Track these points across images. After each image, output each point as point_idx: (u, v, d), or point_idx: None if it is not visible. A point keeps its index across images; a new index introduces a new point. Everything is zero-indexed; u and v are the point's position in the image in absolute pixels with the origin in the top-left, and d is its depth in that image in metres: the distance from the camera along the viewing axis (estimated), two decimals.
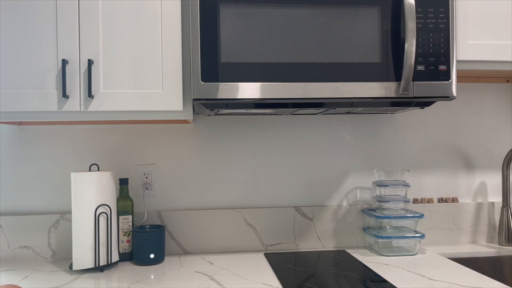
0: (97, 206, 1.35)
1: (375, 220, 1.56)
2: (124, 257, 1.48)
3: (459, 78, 1.69)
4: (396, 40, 1.25)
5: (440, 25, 1.26)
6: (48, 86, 1.27)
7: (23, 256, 1.53)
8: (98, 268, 1.35)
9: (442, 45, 1.26)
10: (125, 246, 1.48)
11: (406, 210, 1.58)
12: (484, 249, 1.59)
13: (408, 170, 1.63)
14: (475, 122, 1.75)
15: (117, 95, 1.28)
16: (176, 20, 1.30)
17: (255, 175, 1.66)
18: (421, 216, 1.54)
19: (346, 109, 1.45)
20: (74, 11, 1.27)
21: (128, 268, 1.41)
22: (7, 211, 1.56)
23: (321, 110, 1.46)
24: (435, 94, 1.26)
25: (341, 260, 1.46)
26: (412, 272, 1.32)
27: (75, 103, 1.27)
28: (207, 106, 1.30)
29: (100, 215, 1.35)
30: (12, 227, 1.53)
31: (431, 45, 1.26)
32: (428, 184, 1.72)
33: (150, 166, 1.61)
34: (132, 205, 1.51)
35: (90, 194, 1.35)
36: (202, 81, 1.20)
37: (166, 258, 1.50)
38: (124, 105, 1.28)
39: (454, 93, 1.27)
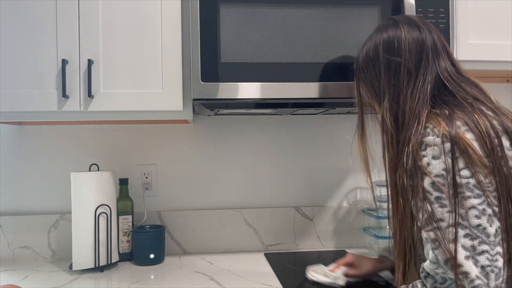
0: (97, 206, 1.35)
1: (375, 220, 1.56)
2: (124, 257, 1.47)
3: None
4: None
5: (440, 25, 1.26)
6: (48, 86, 1.27)
7: (23, 256, 1.53)
8: (98, 268, 1.35)
9: None
10: (125, 246, 1.48)
11: None
12: None
13: None
14: None
15: (117, 95, 1.28)
16: (176, 20, 1.29)
17: (255, 175, 1.65)
18: None
19: (346, 109, 1.45)
20: (74, 11, 1.27)
21: (128, 268, 1.41)
22: (7, 211, 1.56)
23: (321, 110, 1.46)
24: None
25: None
26: None
27: (75, 103, 1.27)
28: (207, 106, 1.30)
29: (100, 215, 1.35)
30: (12, 227, 1.53)
31: None
32: None
33: (150, 166, 1.61)
34: (132, 205, 1.51)
35: (90, 194, 1.35)
36: (202, 81, 1.20)
37: (166, 258, 1.50)
38: (124, 105, 1.28)
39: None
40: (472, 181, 0.73)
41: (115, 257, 1.40)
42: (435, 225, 0.73)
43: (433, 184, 0.75)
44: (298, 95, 1.22)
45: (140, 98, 1.29)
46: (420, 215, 0.77)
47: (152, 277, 1.31)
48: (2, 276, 1.33)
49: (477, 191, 0.72)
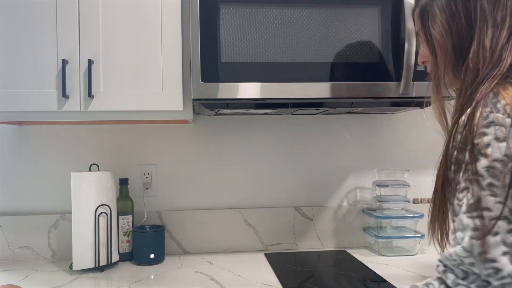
0: (97, 206, 1.35)
1: (375, 220, 1.56)
2: (124, 257, 1.48)
3: None
4: (396, 40, 1.25)
5: None
6: (48, 86, 1.27)
7: (23, 256, 1.53)
8: (98, 268, 1.35)
9: None
10: (125, 246, 1.48)
11: (406, 210, 1.58)
12: None
13: (408, 170, 1.63)
14: None
15: (117, 95, 1.28)
16: (176, 20, 1.29)
17: (255, 175, 1.65)
18: (421, 216, 1.53)
19: (346, 109, 1.45)
20: (74, 11, 1.27)
21: (128, 268, 1.41)
22: (7, 211, 1.56)
23: (321, 110, 1.46)
24: None
25: (341, 260, 1.46)
26: (412, 272, 1.32)
27: (75, 103, 1.27)
28: (207, 106, 1.30)
29: (100, 215, 1.35)
30: (12, 227, 1.53)
31: None
32: (428, 184, 1.72)
33: (150, 166, 1.61)
34: (132, 205, 1.51)
35: (90, 194, 1.35)
36: (202, 81, 1.20)
37: (166, 258, 1.50)
38: (124, 105, 1.28)
39: (454, 93, 1.27)
40: None
41: (115, 257, 1.41)
42: (478, 213, 0.66)
43: (489, 168, 0.66)
44: (298, 95, 1.22)
45: (140, 98, 1.29)
46: (465, 199, 0.68)
47: (152, 277, 1.31)
48: (2, 276, 1.33)
49: None
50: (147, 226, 1.51)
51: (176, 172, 1.62)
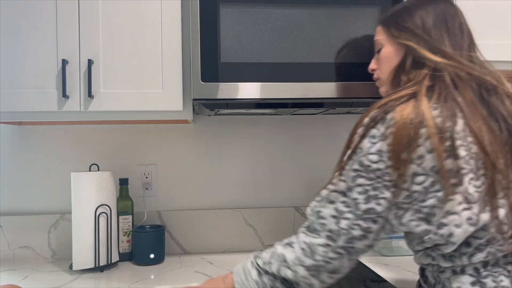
0: (97, 206, 1.35)
1: None
2: (124, 257, 1.47)
3: None
4: None
5: None
6: (48, 86, 1.27)
7: (23, 256, 1.53)
8: (98, 268, 1.35)
9: None
10: (125, 246, 1.48)
11: None
12: None
13: None
14: None
15: (117, 95, 1.28)
16: (176, 20, 1.30)
17: (255, 175, 1.65)
18: None
19: (346, 109, 1.45)
20: (74, 11, 1.27)
21: (128, 268, 1.41)
22: (7, 211, 1.56)
23: (321, 110, 1.46)
24: None
25: None
26: (412, 272, 1.32)
27: (75, 103, 1.27)
28: (207, 106, 1.30)
29: (100, 215, 1.35)
30: (12, 227, 1.53)
31: None
32: None
33: (150, 166, 1.61)
34: (132, 205, 1.51)
35: (90, 194, 1.35)
36: (202, 81, 1.20)
37: (166, 258, 1.50)
38: (124, 105, 1.28)
39: None
40: (374, 166, 0.80)
41: (115, 257, 1.40)
42: (327, 187, 0.87)
43: (348, 156, 0.85)
44: (298, 95, 1.22)
45: (140, 98, 1.29)
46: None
47: (152, 277, 1.31)
48: (2, 276, 1.33)
49: (372, 175, 0.80)
50: (147, 226, 1.51)
51: (176, 172, 1.62)
